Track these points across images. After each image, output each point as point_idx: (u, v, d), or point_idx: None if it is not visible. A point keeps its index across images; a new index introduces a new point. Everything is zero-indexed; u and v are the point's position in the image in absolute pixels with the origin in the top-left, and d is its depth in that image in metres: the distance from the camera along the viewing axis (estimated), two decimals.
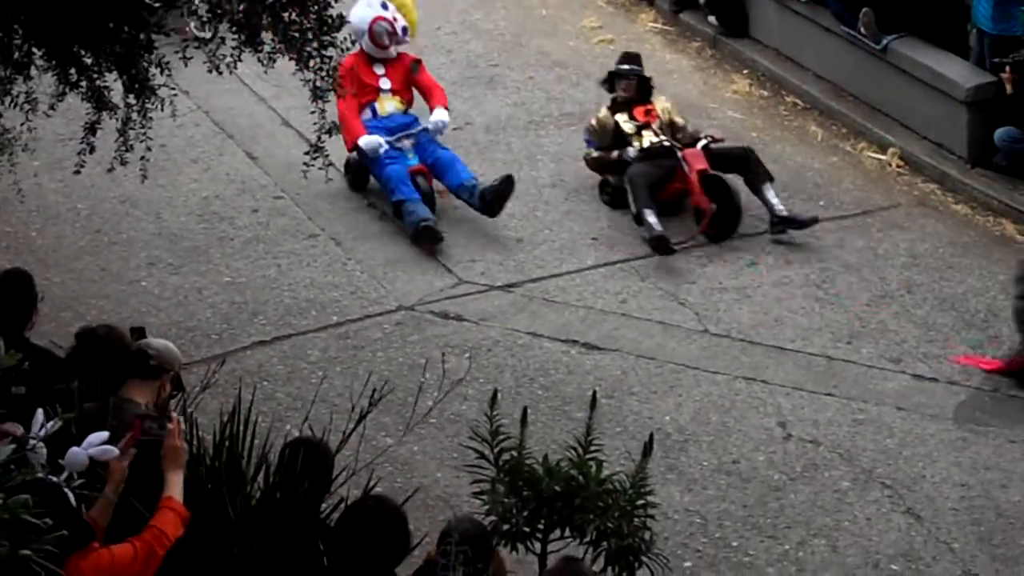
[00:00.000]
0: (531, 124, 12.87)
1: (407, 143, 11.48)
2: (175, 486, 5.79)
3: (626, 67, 11.92)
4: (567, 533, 5.99)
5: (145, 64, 8.25)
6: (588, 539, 5.94)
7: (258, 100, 12.83)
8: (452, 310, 10.56)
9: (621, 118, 11.73)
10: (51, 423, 5.54)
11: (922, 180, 12.49)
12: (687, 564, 8.52)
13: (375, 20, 11.57)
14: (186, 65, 8.16)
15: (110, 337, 6.86)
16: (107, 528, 5.78)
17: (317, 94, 8.34)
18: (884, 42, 12.87)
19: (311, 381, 9.52)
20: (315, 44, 8.18)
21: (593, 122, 11.76)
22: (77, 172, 8.79)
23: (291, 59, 8.24)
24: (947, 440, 9.64)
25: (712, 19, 14.25)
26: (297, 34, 8.09)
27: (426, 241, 11.06)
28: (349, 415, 6.52)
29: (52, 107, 8.58)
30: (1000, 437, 9.69)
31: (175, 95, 8.54)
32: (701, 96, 13.50)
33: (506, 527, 5.94)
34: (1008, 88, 12.05)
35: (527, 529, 5.98)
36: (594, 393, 6.37)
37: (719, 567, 8.55)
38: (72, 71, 8.26)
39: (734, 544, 8.73)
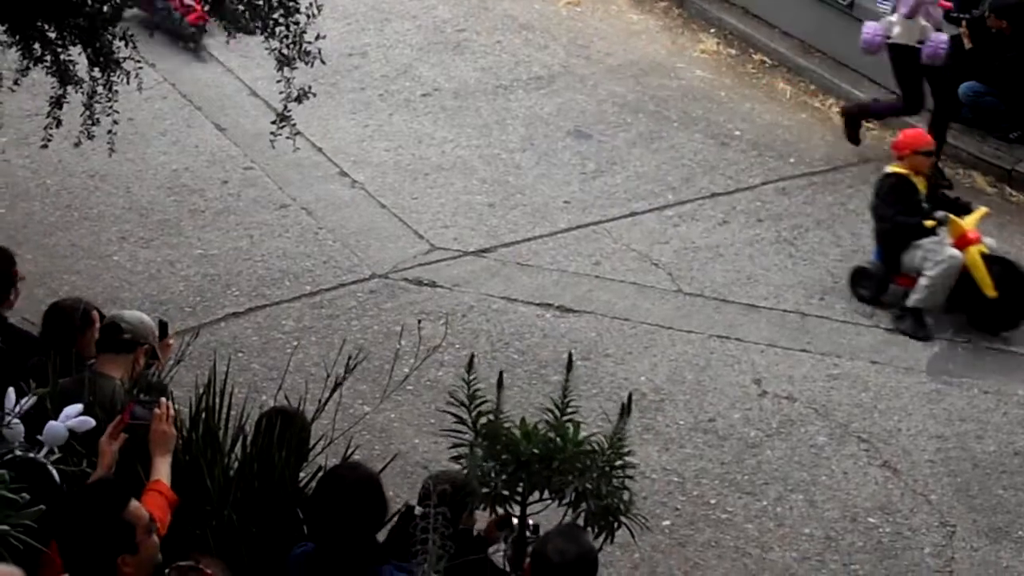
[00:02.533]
0: (499, 88, 12.83)
1: None
2: (163, 470, 5.74)
3: None
4: (546, 495, 5.99)
5: (109, 37, 8.20)
6: (567, 501, 5.93)
7: (225, 71, 12.76)
8: (426, 277, 10.54)
9: None
10: (25, 399, 5.52)
11: (891, 134, 12.50)
12: (666, 523, 8.55)
13: None
14: (151, 36, 8.11)
15: (75, 308, 6.85)
16: None
17: (283, 63, 8.30)
18: None
19: (286, 351, 9.50)
20: (280, 12, 8.14)
21: None
22: (44, 147, 8.74)
23: (256, 28, 8.20)
24: (922, 393, 9.69)
25: None
26: (261, 2, 8.05)
27: None
28: (325, 384, 6.51)
29: (16, 82, 8.53)
30: (974, 388, 9.75)
31: (141, 68, 8.49)
32: (669, 56, 13.48)
33: (485, 490, 5.94)
34: (966, 43, 12.07)
35: (506, 492, 5.98)
36: (570, 355, 6.33)
37: (698, 524, 8.58)
38: (36, 45, 8.20)
39: (712, 502, 8.76)
